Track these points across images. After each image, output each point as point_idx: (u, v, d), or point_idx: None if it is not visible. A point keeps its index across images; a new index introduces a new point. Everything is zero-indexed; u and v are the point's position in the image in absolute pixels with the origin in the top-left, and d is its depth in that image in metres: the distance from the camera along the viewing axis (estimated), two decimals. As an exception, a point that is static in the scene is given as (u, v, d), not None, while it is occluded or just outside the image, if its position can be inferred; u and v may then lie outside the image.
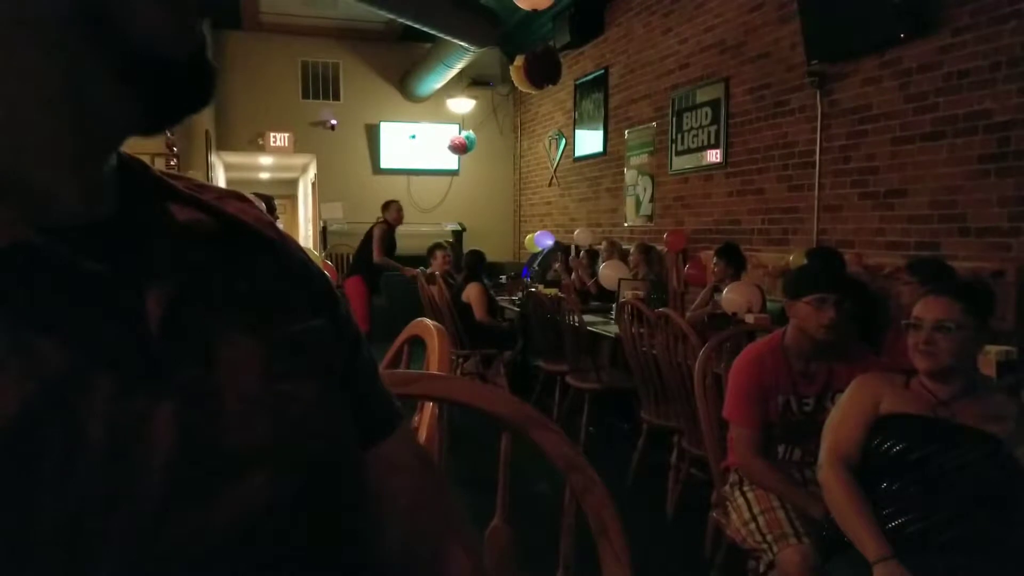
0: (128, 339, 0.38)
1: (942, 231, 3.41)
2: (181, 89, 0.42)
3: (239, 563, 0.40)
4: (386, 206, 6.51)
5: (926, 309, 1.73)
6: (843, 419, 1.79)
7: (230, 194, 0.52)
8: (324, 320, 0.51)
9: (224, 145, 8.24)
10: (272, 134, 8.20)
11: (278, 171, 11.57)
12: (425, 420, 0.92)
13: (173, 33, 0.40)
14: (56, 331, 0.36)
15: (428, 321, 1.13)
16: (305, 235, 10.78)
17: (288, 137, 8.26)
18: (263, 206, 3.78)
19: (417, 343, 1.15)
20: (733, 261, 4.06)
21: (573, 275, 5.90)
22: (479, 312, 4.90)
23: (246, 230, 0.49)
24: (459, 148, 8.32)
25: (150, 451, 0.37)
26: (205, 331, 0.43)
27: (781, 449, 2.12)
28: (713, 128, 5.11)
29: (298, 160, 9.59)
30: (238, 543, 0.40)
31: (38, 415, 0.34)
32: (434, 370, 1.00)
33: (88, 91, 0.38)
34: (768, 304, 3.69)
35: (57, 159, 0.39)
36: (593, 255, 5.92)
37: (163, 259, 0.42)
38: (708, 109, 5.16)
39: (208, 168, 8.14)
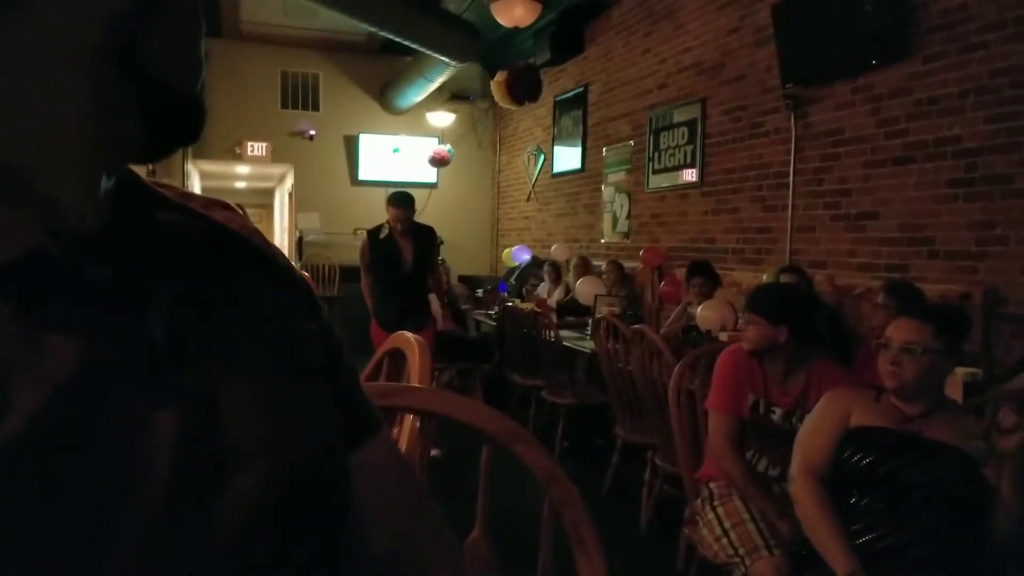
0: (133, 343, 0.40)
1: (911, 253, 3.48)
2: (180, 123, 0.45)
3: (237, 559, 0.41)
4: None
5: (895, 330, 1.78)
6: (814, 432, 1.82)
7: (215, 203, 0.53)
8: (311, 325, 0.53)
9: (200, 153, 8.17)
10: (250, 143, 8.14)
11: (255, 180, 11.50)
12: (405, 432, 0.92)
13: (189, 72, 0.43)
14: (67, 334, 0.37)
15: (408, 334, 1.14)
16: (280, 245, 10.68)
17: (266, 147, 8.21)
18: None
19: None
20: (709, 278, 4.10)
21: (542, 286, 5.96)
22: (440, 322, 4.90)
23: (234, 238, 0.51)
24: (441, 161, 8.33)
25: (155, 451, 0.38)
26: (203, 335, 0.44)
27: (749, 454, 2.18)
28: (690, 148, 5.18)
29: (275, 170, 9.54)
30: (236, 540, 0.41)
31: (55, 414, 0.35)
32: (415, 383, 1.00)
33: (111, 113, 0.40)
34: (740, 322, 3.74)
35: (76, 172, 0.40)
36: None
37: (161, 265, 0.44)
38: (685, 129, 5.23)
39: (184, 176, 8.06)
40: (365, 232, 4.28)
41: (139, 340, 0.40)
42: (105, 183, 0.42)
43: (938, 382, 1.77)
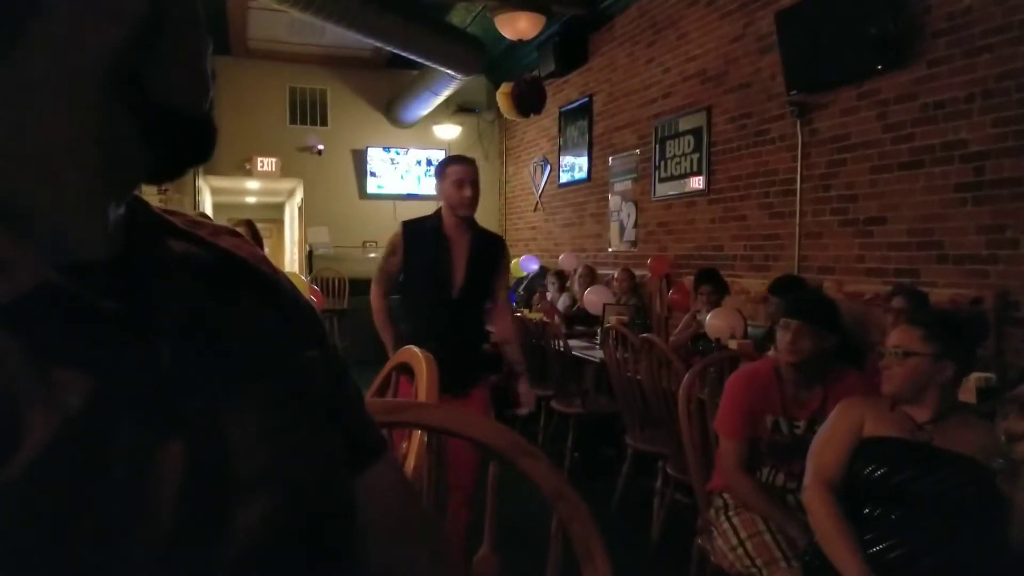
0: (141, 373, 0.40)
1: (921, 258, 3.46)
2: (190, 144, 0.46)
3: None
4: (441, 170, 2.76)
5: (891, 335, 1.83)
6: (827, 442, 1.82)
7: (223, 230, 0.54)
8: (316, 351, 0.53)
9: (211, 170, 8.23)
10: (259, 159, 8.20)
11: (264, 195, 11.57)
12: (414, 448, 0.92)
13: (195, 94, 0.44)
14: (76, 366, 0.37)
15: (416, 349, 1.14)
16: (291, 259, 10.76)
17: (275, 162, 8.28)
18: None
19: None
20: (717, 286, 4.10)
21: (550, 295, 5.97)
22: None
23: (241, 265, 0.51)
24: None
25: (162, 480, 0.39)
26: (210, 363, 0.44)
27: (765, 471, 2.15)
28: (695, 156, 5.18)
29: (285, 185, 9.60)
30: (242, 567, 0.41)
31: (63, 445, 0.35)
32: (422, 398, 1.01)
33: (116, 142, 0.40)
34: (749, 330, 3.72)
35: (83, 203, 0.41)
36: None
37: (169, 295, 0.44)
38: (690, 137, 5.23)
39: (195, 192, 8.12)
40: (400, 223, 2.74)
41: (147, 370, 0.41)
42: (114, 212, 0.43)
43: (935, 386, 1.74)
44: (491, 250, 2.74)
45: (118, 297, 0.41)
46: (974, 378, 2.45)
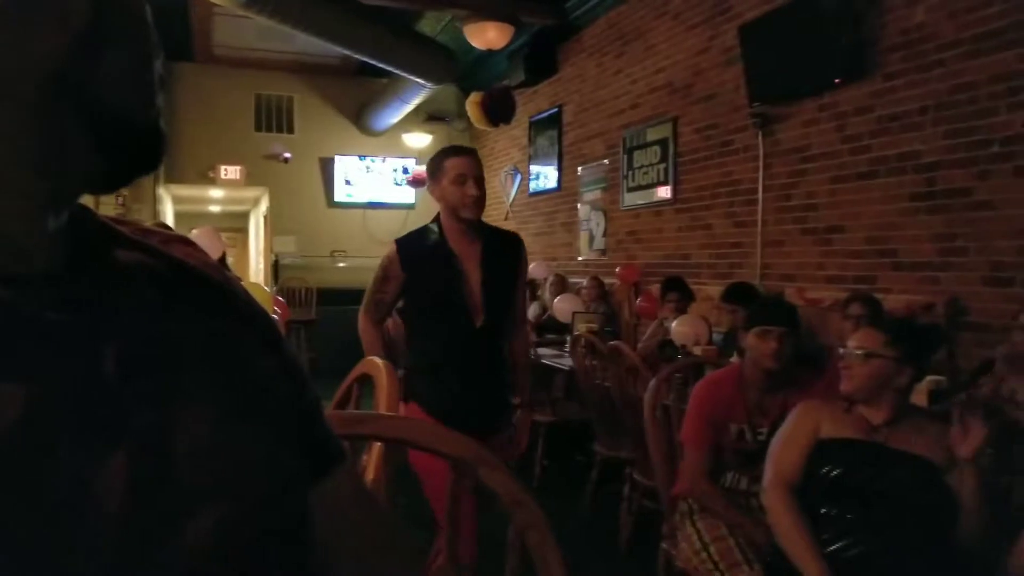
0: (86, 385, 0.40)
1: (877, 265, 3.55)
2: (139, 153, 0.45)
3: None
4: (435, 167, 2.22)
5: (854, 337, 1.88)
6: (785, 444, 1.86)
7: (175, 238, 0.53)
8: (272, 360, 0.53)
9: (172, 178, 8.11)
10: (223, 167, 8.10)
11: (229, 204, 11.43)
12: (373, 459, 0.93)
13: (140, 101, 0.43)
14: (13, 378, 0.37)
15: (377, 359, 1.15)
16: (256, 269, 10.63)
17: (240, 170, 8.18)
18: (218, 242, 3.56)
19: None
20: (684, 293, 4.16)
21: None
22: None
23: (193, 273, 0.51)
24: (421, 182, 8.38)
25: (107, 493, 0.38)
26: (159, 374, 0.44)
27: (729, 476, 2.19)
28: (663, 166, 5.25)
29: (249, 193, 9.50)
30: None
31: (2, 459, 0.35)
32: (383, 408, 1.02)
33: (61, 152, 0.40)
34: (714, 335, 3.79)
35: (27, 215, 0.40)
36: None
37: (116, 305, 0.44)
38: (658, 147, 5.30)
39: (155, 201, 7.98)
40: (393, 243, 2.25)
41: (89, 380, 0.40)
42: (54, 221, 0.42)
43: (893, 389, 1.79)
44: (507, 255, 2.27)
45: (61, 308, 0.40)
46: (926, 381, 2.53)
